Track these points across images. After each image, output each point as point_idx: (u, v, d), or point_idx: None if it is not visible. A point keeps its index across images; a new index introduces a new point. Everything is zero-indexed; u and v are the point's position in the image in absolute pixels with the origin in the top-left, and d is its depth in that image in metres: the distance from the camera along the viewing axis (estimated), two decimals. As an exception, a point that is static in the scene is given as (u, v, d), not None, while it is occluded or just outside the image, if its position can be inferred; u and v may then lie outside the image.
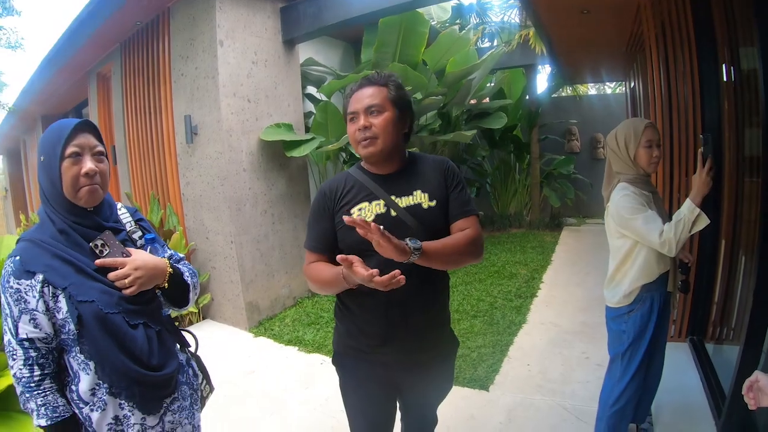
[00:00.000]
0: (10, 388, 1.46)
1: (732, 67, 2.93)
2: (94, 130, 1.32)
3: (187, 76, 4.65)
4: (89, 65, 6.51)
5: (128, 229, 1.44)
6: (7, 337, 1.24)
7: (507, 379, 3.29)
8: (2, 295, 1.24)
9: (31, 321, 1.23)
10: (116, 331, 1.27)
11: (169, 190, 5.16)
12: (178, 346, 1.55)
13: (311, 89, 5.90)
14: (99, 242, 1.30)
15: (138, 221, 1.50)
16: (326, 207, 1.60)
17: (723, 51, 2.98)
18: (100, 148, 1.32)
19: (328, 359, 3.82)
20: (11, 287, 1.23)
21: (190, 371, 1.55)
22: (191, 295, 1.52)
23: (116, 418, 1.31)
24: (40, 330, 1.24)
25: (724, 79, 3.04)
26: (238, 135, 4.51)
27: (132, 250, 1.36)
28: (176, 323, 4.22)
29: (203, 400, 1.65)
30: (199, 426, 1.57)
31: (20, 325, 1.23)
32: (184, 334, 1.64)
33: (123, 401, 1.31)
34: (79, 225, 1.30)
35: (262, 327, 4.63)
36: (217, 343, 4.40)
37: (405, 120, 1.59)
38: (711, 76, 3.10)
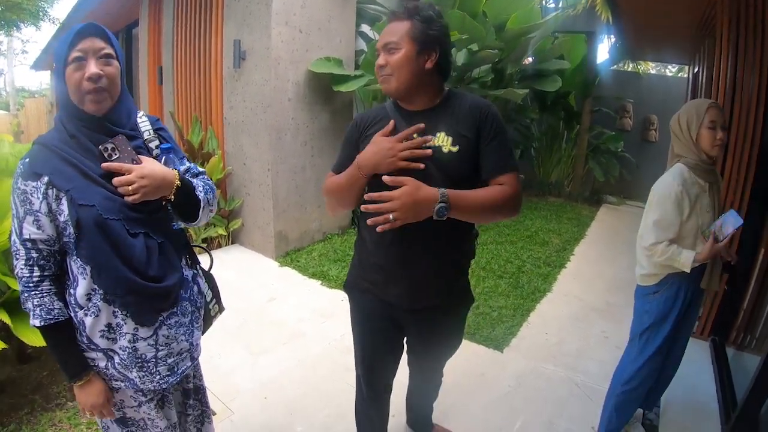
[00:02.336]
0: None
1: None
2: (101, 33, 1.25)
3: (240, 0, 4.55)
4: (143, -16, 6.47)
5: (146, 137, 1.40)
6: (13, 237, 1.25)
7: (523, 343, 3.27)
8: (11, 196, 1.24)
9: (35, 222, 1.22)
10: (114, 237, 1.24)
11: (211, 113, 5.16)
12: (187, 262, 1.51)
13: (365, 28, 5.74)
14: (109, 146, 1.26)
15: (157, 130, 1.45)
16: (353, 136, 1.62)
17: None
18: (107, 50, 1.25)
19: (350, 296, 3.84)
20: (19, 188, 1.22)
21: (195, 288, 1.52)
22: (203, 211, 1.47)
23: (109, 325, 1.30)
24: (43, 231, 1.23)
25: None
26: (286, 64, 4.43)
27: (144, 158, 1.32)
28: (205, 244, 4.31)
29: (211, 320, 1.64)
30: (197, 344, 1.54)
31: (24, 225, 1.23)
32: (203, 254, 1.63)
33: (117, 309, 1.29)
34: (88, 130, 1.27)
35: (288, 257, 4.67)
36: (242, 267, 4.48)
37: (429, 54, 1.46)
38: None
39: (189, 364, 1.49)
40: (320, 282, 4.13)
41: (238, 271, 4.38)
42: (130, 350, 1.32)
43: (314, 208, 5.02)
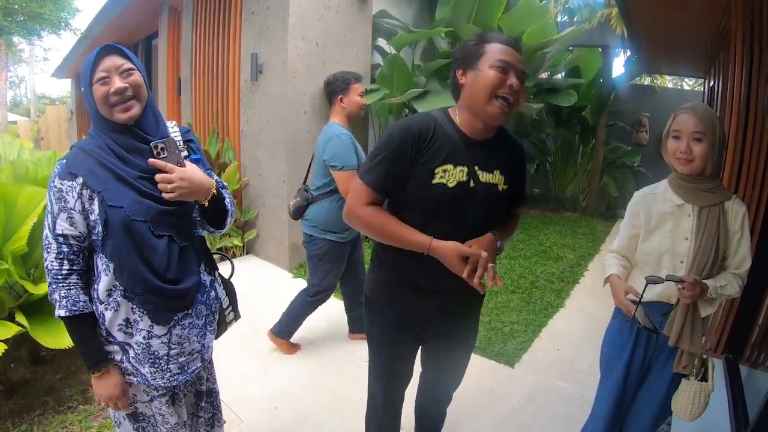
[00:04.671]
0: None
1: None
2: (118, 51, 1.35)
3: (258, 14, 4.64)
4: (162, -3, 6.63)
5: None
6: (46, 231, 1.34)
7: (534, 359, 3.26)
8: (47, 194, 1.34)
9: (68, 219, 1.32)
10: (139, 238, 1.33)
11: (228, 124, 5.24)
12: (206, 268, 1.57)
13: (381, 41, 5.79)
14: (160, 144, 1.35)
15: (187, 141, 1.53)
16: (410, 150, 1.46)
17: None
18: (127, 65, 1.34)
19: (363, 309, 3.86)
20: (55, 186, 1.32)
21: (212, 294, 1.58)
22: (228, 220, 1.55)
23: (127, 320, 1.38)
24: (75, 228, 1.33)
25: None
26: (302, 77, 4.50)
27: (188, 163, 1.40)
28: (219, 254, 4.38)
29: (225, 326, 1.71)
30: (209, 347, 1.60)
31: (58, 221, 1.32)
32: (223, 263, 1.70)
33: (134, 306, 1.37)
34: (124, 140, 1.36)
35: (302, 269, 4.69)
36: (256, 278, 4.53)
37: None
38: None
39: (199, 364, 1.56)
40: (333, 294, 4.13)
41: (252, 281, 4.42)
42: (144, 346, 1.40)
43: (328, 220, 5.03)
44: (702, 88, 7.85)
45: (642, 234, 1.79)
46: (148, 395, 1.49)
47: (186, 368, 1.50)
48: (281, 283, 4.44)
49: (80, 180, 1.31)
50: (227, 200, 1.53)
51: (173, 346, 1.44)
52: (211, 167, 1.61)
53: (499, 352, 3.27)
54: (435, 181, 1.45)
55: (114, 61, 1.33)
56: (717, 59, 5.47)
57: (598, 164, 7.70)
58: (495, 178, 1.51)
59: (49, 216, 1.33)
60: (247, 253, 5.10)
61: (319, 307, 3.85)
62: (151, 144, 1.34)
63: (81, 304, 1.35)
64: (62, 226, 1.32)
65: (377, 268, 1.71)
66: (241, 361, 3.03)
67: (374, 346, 1.82)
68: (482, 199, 1.49)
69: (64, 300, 1.33)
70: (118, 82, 1.31)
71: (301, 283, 4.35)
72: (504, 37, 1.50)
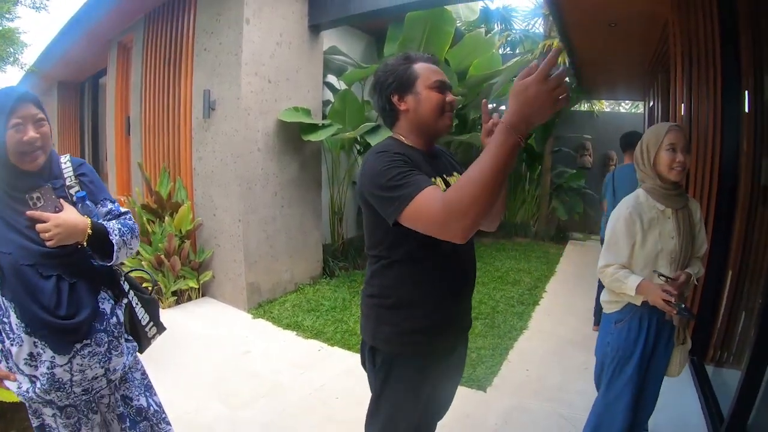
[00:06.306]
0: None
1: (755, 96, 2.84)
2: (35, 100, 1.46)
3: (210, 51, 4.63)
4: (111, 34, 6.53)
5: (67, 183, 1.57)
6: None
7: (505, 381, 3.29)
8: None
9: None
10: (27, 281, 1.41)
11: (180, 163, 5.13)
12: (112, 295, 1.64)
13: (331, 78, 5.87)
14: (35, 195, 1.44)
15: (79, 176, 1.60)
16: (406, 160, 1.37)
17: (747, 77, 2.88)
18: (40, 115, 1.45)
19: (326, 346, 3.84)
20: None
21: (114, 320, 1.62)
22: (119, 252, 1.57)
23: (31, 354, 1.45)
24: None
25: (746, 106, 2.94)
26: (255, 114, 4.50)
27: (65, 204, 1.49)
28: (174, 297, 4.31)
29: (149, 340, 1.79)
30: (115, 369, 1.63)
31: None
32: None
33: (36, 339, 1.44)
34: (19, 185, 1.45)
35: (261, 309, 4.61)
36: (214, 321, 4.39)
37: None
38: (733, 101, 2.98)
39: (104, 384, 1.61)
40: (295, 333, 4.08)
41: (210, 324, 4.29)
42: (49, 375, 1.46)
43: (285, 258, 5.00)
44: (640, 110, 8.28)
45: (639, 239, 1.97)
46: (52, 410, 1.56)
47: (90, 389, 1.56)
48: (240, 324, 4.32)
49: None
50: (114, 232, 1.57)
51: (75, 374, 1.50)
52: (106, 198, 1.68)
53: (470, 377, 3.28)
54: None
55: (30, 109, 1.42)
56: (656, 81, 5.79)
57: (546, 189, 7.99)
58: (455, 179, 1.58)
59: None
60: (203, 296, 4.93)
61: (280, 348, 3.82)
62: (27, 196, 1.43)
63: None
64: None
65: (385, 316, 1.58)
66: (206, 407, 2.91)
67: (388, 406, 1.65)
68: None
69: None
70: (31, 132, 1.41)
71: (262, 324, 4.29)
72: (425, 55, 1.58)
